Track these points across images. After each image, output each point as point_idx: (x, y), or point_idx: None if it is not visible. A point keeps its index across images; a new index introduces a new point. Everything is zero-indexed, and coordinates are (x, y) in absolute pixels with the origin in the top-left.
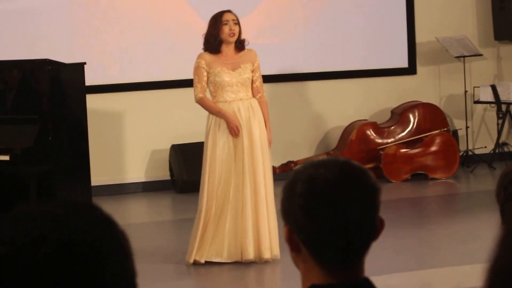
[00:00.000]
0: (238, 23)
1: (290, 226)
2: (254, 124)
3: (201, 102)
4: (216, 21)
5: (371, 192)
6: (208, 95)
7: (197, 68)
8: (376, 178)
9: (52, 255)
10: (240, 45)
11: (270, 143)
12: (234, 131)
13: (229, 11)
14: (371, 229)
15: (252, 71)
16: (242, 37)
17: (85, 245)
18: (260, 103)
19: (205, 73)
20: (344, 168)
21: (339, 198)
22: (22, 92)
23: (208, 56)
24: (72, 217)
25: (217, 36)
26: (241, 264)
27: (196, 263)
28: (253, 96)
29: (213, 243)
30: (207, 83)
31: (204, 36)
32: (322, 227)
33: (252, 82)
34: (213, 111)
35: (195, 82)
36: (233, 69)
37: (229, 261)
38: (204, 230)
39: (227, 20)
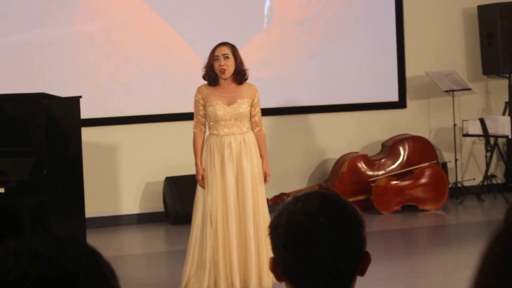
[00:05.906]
0: (231, 56)
1: (275, 257)
2: (245, 158)
3: (193, 137)
4: (212, 54)
5: (353, 227)
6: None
7: (194, 102)
8: (367, 210)
9: None
10: (239, 77)
11: (267, 176)
12: (199, 182)
13: (223, 44)
14: (354, 263)
15: (252, 106)
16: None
17: (68, 280)
18: (258, 136)
19: (201, 108)
20: (325, 202)
21: (318, 233)
22: (17, 125)
23: (206, 89)
24: (54, 253)
25: (212, 71)
26: None
27: None
28: (252, 129)
29: (205, 280)
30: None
31: (203, 68)
32: (302, 261)
33: (252, 116)
34: (194, 151)
35: (194, 115)
36: (229, 104)
37: None
38: (197, 262)
39: (217, 56)
